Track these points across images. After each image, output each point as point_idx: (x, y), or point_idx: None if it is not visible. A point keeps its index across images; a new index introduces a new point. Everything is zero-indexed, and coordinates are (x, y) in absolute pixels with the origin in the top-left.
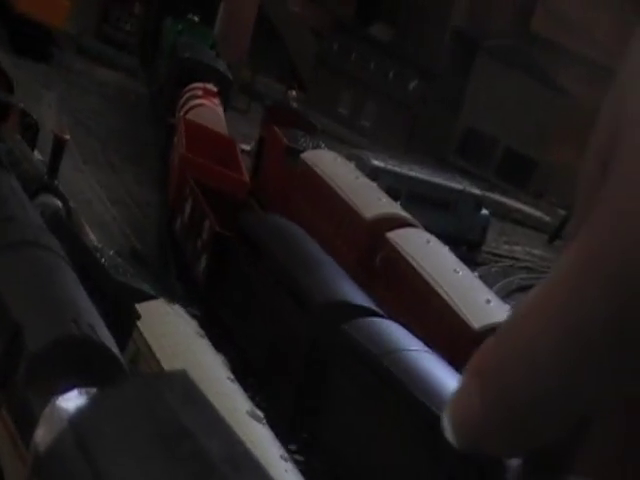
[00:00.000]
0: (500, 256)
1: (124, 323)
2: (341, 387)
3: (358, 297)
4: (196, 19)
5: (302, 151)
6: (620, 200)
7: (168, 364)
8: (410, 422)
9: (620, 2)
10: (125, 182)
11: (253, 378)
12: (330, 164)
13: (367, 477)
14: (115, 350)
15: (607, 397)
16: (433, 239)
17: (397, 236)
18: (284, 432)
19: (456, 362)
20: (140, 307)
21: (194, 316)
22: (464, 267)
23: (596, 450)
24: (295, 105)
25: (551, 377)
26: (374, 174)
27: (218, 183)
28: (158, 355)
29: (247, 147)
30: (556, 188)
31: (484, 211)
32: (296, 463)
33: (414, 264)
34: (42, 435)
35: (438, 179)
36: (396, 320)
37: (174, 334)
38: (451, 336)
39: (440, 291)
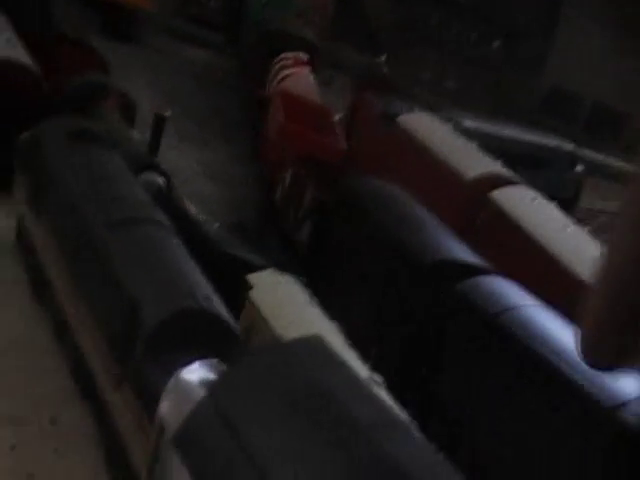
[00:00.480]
0: (595, 212)
1: (236, 295)
2: (458, 348)
3: (468, 256)
4: None
5: (397, 115)
6: None
7: (283, 334)
8: (529, 378)
9: None
10: (220, 157)
11: (360, 346)
12: (427, 127)
13: (487, 439)
14: (232, 322)
15: None
16: (539, 196)
17: (500, 195)
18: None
19: (575, 320)
20: (251, 277)
21: (305, 285)
22: (573, 223)
23: None
24: (385, 72)
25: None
26: (466, 135)
27: (316, 151)
28: (272, 324)
29: (336, 117)
30: None
31: (578, 167)
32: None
33: (520, 223)
34: (168, 408)
35: (531, 137)
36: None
37: (287, 304)
38: (565, 295)
39: (549, 249)
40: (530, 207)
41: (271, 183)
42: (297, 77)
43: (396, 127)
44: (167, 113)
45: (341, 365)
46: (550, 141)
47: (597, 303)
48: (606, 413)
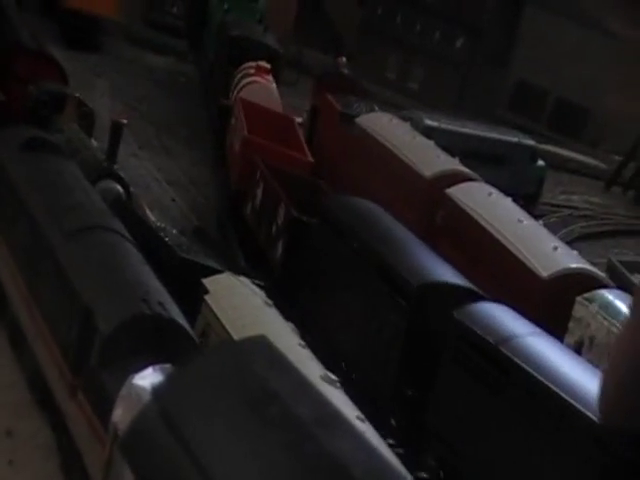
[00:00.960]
0: (558, 206)
1: (192, 299)
2: (454, 376)
3: (455, 278)
4: None
5: (357, 116)
6: None
7: (238, 335)
8: (538, 411)
9: None
10: (181, 164)
11: (341, 367)
12: (386, 126)
13: (489, 473)
14: (186, 326)
15: None
16: (495, 191)
17: (457, 191)
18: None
19: (526, 311)
20: (207, 282)
21: (260, 287)
22: (528, 217)
23: None
24: (346, 72)
25: None
26: (427, 133)
27: (283, 164)
28: (228, 327)
29: (299, 119)
30: (611, 135)
31: (540, 162)
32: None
33: (477, 218)
34: (121, 414)
35: (492, 134)
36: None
37: (242, 306)
38: (520, 286)
39: (505, 242)
40: (486, 202)
41: (237, 196)
42: (258, 85)
43: (355, 127)
44: (124, 120)
45: (286, 364)
46: (511, 137)
47: (618, 369)
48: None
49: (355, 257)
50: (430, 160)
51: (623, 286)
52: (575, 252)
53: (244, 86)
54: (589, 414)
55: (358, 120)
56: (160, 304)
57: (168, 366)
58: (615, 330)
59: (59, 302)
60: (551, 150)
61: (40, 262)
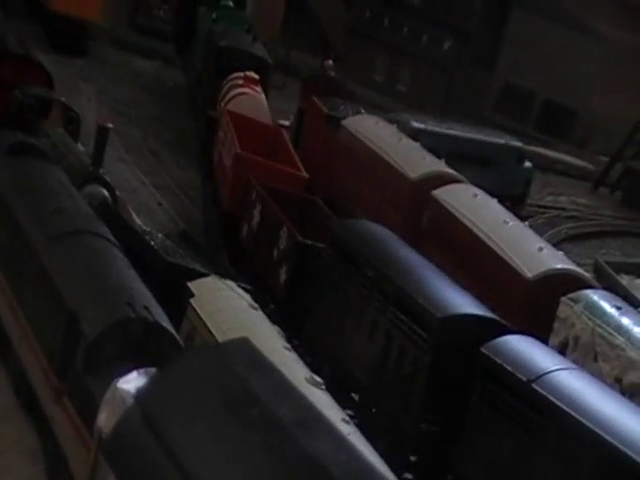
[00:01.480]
0: (545, 207)
1: (178, 302)
2: (481, 416)
3: (478, 309)
4: (230, 4)
5: (343, 118)
6: None
7: (224, 339)
8: (575, 451)
9: None
10: (167, 168)
11: (353, 397)
12: (372, 128)
13: None
14: (171, 329)
15: None
16: (480, 193)
17: (443, 193)
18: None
19: (511, 312)
20: (192, 285)
21: (246, 290)
22: (514, 218)
23: None
24: (332, 74)
25: None
26: (414, 136)
27: (276, 180)
28: (213, 331)
29: (286, 122)
30: (598, 136)
31: (527, 164)
32: None
33: (462, 219)
34: (105, 419)
35: (479, 136)
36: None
37: (228, 309)
38: (505, 287)
39: (491, 243)
40: (472, 204)
41: (230, 216)
42: (246, 97)
43: (341, 129)
44: (110, 124)
45: (268, 366)
46: (498, 139)
47: None
48: None
49: (370, 286)
50: (416, 162)
51: (610, 287)
52: (560, 253)
53: (232, 97)
54: (635, 456)
55: (344, 122)
56: (145, 308)
57: (153, 370)
58: (599, 330)
59: (44, 306)
60: (538, 151)
61: (25, 266)
